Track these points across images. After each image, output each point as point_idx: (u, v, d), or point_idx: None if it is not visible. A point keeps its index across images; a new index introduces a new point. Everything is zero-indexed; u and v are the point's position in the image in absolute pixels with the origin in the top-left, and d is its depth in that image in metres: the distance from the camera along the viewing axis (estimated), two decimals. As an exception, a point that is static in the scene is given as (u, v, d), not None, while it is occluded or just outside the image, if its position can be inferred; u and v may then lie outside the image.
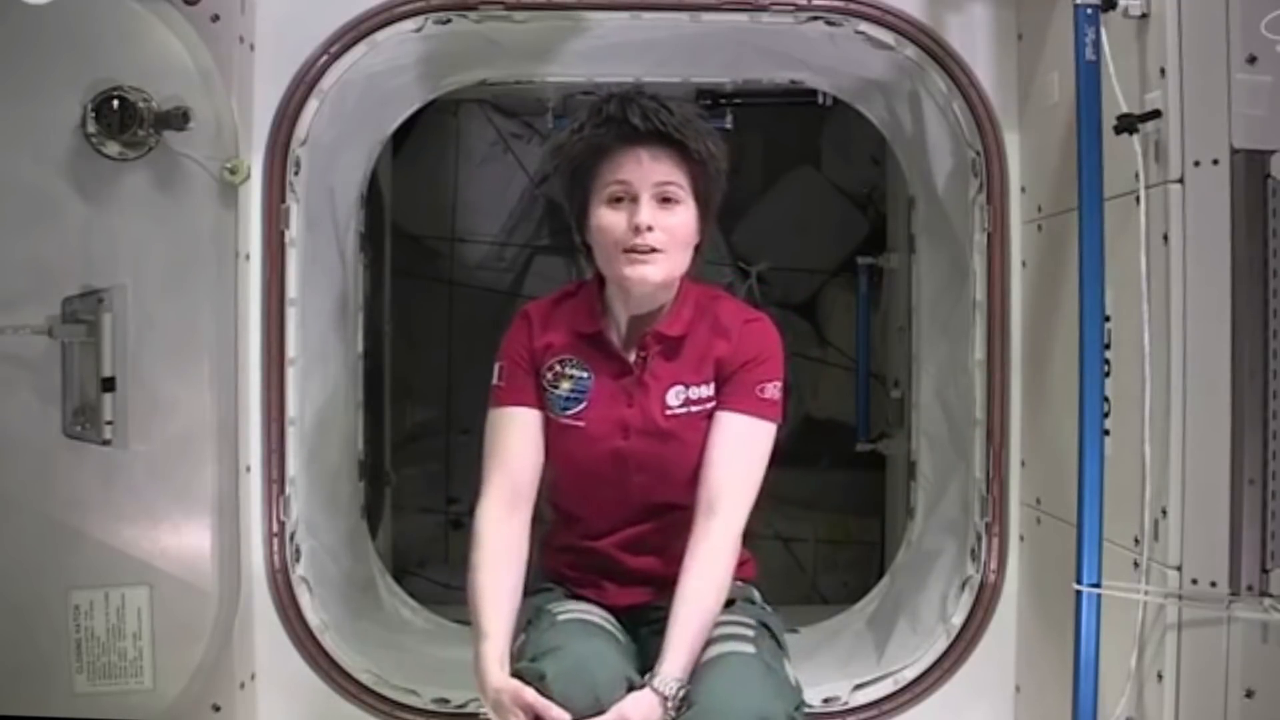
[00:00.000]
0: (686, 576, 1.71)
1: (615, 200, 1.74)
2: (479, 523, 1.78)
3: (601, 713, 1.59)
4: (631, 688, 1.63)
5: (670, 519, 1.81)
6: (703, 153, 1.74)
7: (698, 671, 1.67)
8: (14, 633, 2.09)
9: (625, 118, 1.71)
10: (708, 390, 1.80)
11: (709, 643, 1.71)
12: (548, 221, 4.02)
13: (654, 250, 1.72)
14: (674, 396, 1.79)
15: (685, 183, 1.74)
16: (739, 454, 1.77)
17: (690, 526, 1.76)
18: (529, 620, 1.76)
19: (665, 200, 1.73)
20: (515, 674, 1.64)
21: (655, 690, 1.62)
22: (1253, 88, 1.73)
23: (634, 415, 1.79)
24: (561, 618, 1.75)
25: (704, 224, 1.80)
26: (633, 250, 1.72)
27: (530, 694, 1.59)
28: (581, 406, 1.80)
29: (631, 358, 1.81)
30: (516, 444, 1.81)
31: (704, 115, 1.87)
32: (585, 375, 1.81)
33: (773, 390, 1.79)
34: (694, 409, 1.79)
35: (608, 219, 1.74)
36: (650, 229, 1.71)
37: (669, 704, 1.62)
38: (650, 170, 1.72)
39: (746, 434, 1.77)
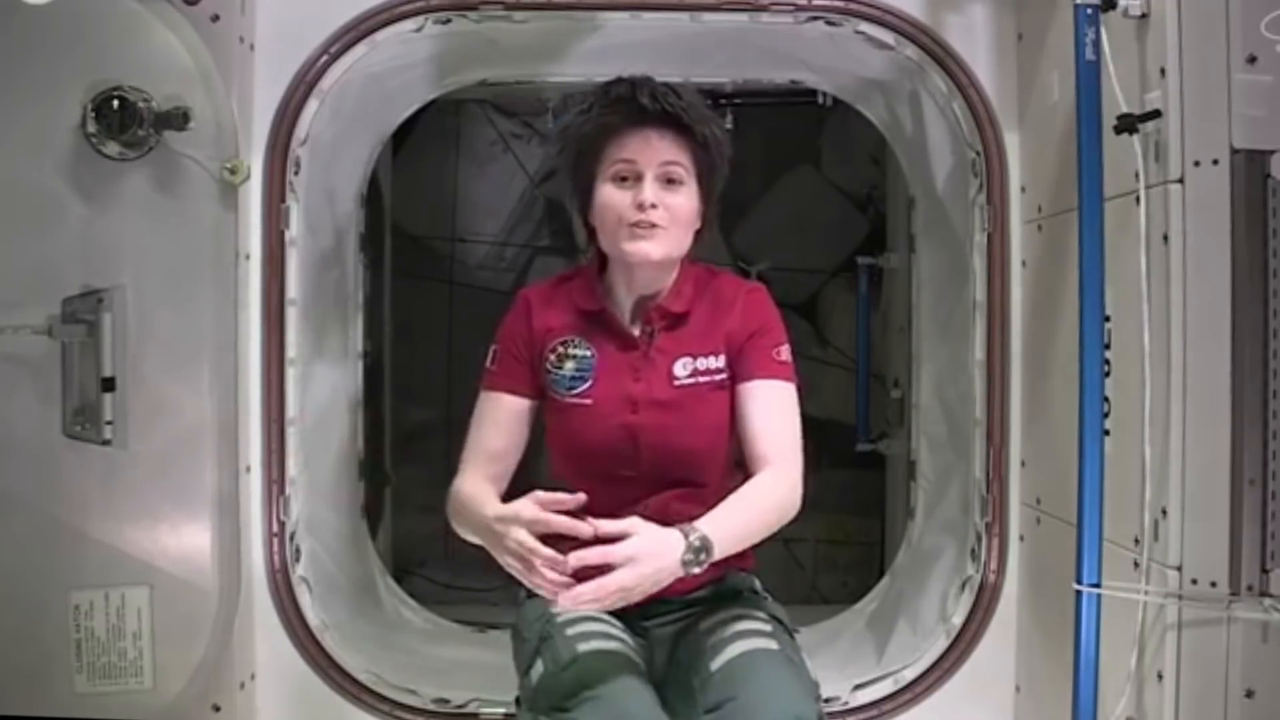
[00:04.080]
0: (748, 484, 1.71)
1: (620, 179, 1.76)
2: (456, 489, 1.78)
3: None
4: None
5: (681, 494, 1.78)
6: (707, 136, 1.77)
7: (727, 669, 1.65)
8: (14, 633, 2.10)
9: (634, 98, 1.74)
10: (717, 361, 1.81)
11: (731, 639, 1.70)
12: (548, 221, 4.02)
13: (655, 226, 1.74)
14: (681, 368, 1.80)
15: (689, 164, 1.77)
16: (779, 416, 1.79)
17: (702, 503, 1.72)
18: (541, 637, 1.73)
19: (669, 180, 1.76)
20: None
21: (680, 530, 1.57)
22: (1253, 88, 1.73)
23: (641, 389, 1.79)
24: (582, 649, 1.69)
25: (705, 207, 1.82)
26: (635, 225, 1.74)
27: (541, 494, 1.58)
28: (587, 385, 1.80)
29: (636, 333, 1.82)
30: (497, 430, 1.82)
31: (710, 105, 1.88)
32: (588, 354, 1.81)
33: (785, 353, 1.83)
34: (702, 380, 1.80)
35: (612, 196, 1.76)
36: (654, 206, 1.74)
37: (687, 544, 1.56)
38: (656, 150, 1.75)
39: (778, 397, 1.80)
